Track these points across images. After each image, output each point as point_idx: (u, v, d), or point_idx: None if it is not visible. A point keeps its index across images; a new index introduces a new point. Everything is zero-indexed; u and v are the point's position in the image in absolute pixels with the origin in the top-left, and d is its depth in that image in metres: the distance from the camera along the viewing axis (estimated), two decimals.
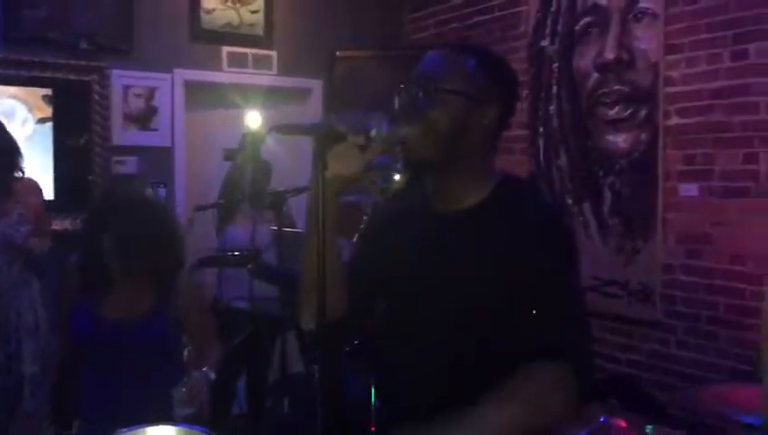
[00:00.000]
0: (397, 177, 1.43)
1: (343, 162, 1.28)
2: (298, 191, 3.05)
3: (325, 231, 1.24)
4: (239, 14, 4.72)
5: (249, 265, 3.05)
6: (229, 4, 4.68)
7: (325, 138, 1.26)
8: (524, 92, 4.35)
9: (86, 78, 4.22)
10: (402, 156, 1.32)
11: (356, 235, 2.37)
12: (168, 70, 4.49)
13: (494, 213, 1.37)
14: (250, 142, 3.63)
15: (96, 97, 4.25)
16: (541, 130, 4.27)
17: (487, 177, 1.42)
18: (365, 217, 2.46)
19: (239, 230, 3.64)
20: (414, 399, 1.42)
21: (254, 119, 3.69)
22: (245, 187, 3.57)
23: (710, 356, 3.47)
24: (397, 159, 1.35)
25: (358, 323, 1.62)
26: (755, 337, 3.30)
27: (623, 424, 2.35)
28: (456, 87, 1.35)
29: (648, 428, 2.12)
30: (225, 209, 3.73)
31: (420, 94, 1.35)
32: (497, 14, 4.55)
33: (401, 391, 1.46)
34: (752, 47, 3.28)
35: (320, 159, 1.27)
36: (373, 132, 1.26)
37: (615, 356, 3.90)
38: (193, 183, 4.54)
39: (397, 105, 1.39)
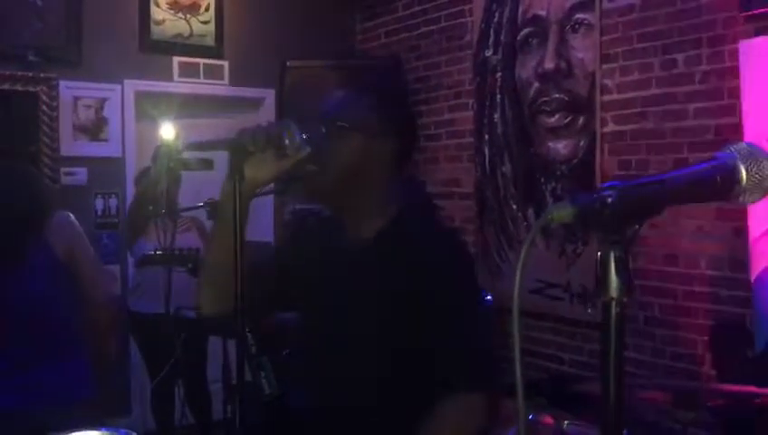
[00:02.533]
0: None
1: (259, 168, 1.38)
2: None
3: (241, 233, 1.32)
4: (190, 25, 4.76)
5: (189, 265, 3.08)
6: (180, 14, 4.72)
7: (238, 152, 1.35)
8: (470, 101, 4.46)
9: (33, 89, 4.23)
10: (307, 187, 1.44)
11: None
12: (119, 80, 4.52)
13: (392, 244, 1.46)
14: (164, 154, 3.62)
15: (44, 108, 4.26)
16: (486, 137, 4.37)
17: (387, 205, 1.51)
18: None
19: (147, 243, 3.63)
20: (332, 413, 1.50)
21: (167, 130, 3.65)
22: (159, 199, 3.58)
23: (647, 355, 3.59)
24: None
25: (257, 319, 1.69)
26: (689, 336, 3.42)
27: (550, 421, 2.43)
28: (352, 124, 1.44)
29: (566, 423, 2.21)
30: (136, 224, 3.71)
31: (322, 131, 1.43)
32: (443, 24, 4.65)
33: (320, 406, 1.54)
34: (680, 57, 3.42)
35: (236, 171, 1.35)
36: (286, 142, 1.35)
37: (558, 356, 4.01)
38: None
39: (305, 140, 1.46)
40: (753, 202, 0.63)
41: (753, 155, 0.62)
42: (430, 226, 1.55)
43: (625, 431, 2.16)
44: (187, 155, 3.54)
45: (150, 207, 3.54)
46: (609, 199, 0.59)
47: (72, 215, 2.42)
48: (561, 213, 0.61)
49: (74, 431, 1.69)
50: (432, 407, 1.36)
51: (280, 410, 2.98)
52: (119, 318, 2.42)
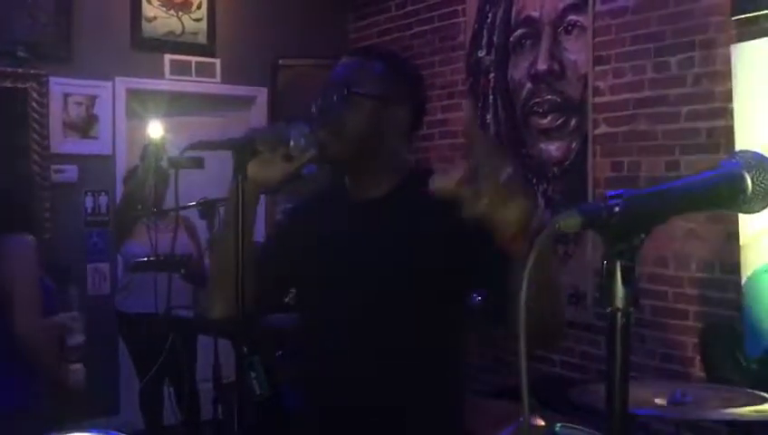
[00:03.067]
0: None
1: (266, 168, 1.37)
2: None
3: (244, 234, 1.32)
4: (182, 22, 4.73)
5: (182, 270, 3.07)
6: (171, 12, 4.69)
7: (244, 152, 1.35)
8: (463, 101, 4.46)
9: (23, 85, 4.19)
10: (322, 156, 1.41)
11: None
12: (109, 78, 4.49)
13: (403, 199, 1.45)
14: (152, 153, 3.58)
15: (34, 105, 4.23)
16: None
17: (397, 170, 1.50)
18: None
19: (136, 245, 3.61)
20: (344, 386, 1.46)
21: (155, 129, 3.62)
22: (147, 199, 3.55)
23: (638, 357, 3.60)
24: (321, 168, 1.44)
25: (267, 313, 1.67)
26: (678, 338, 3.44)
27: (541, 423, 2.43)
28: (366, 90, 1.43)
29: (558, 425, 2.21)
30: (123, 224, 3.68)
31: (334, 99, 1.43)
32: (437, 24, 4.65)
33: (331, 380, 1.49)
34: (672, 60, 3.43)
35: (240, 171, 1.35)
36: (292, 144, 1.35)
37: (549, 358, 4.02)
38: None
39: (314, 110, 1.46)
40: (758, 211, 0.62)
41: (759, 164, 0.62)
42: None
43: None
44: (175, 153, 3.52)
45: (139, 207, 3.51)
46: (616, 208, 0.58)
47: (32, 239, 2.34)
48: (568, 222, 0.61)
49: (64, 433, 1.68)
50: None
51: (272, 411, 2.97)
52: (51, 348, 2.37)
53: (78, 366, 2.43)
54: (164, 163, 3.58)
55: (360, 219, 1.49)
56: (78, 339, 2.38)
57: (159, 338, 3.25)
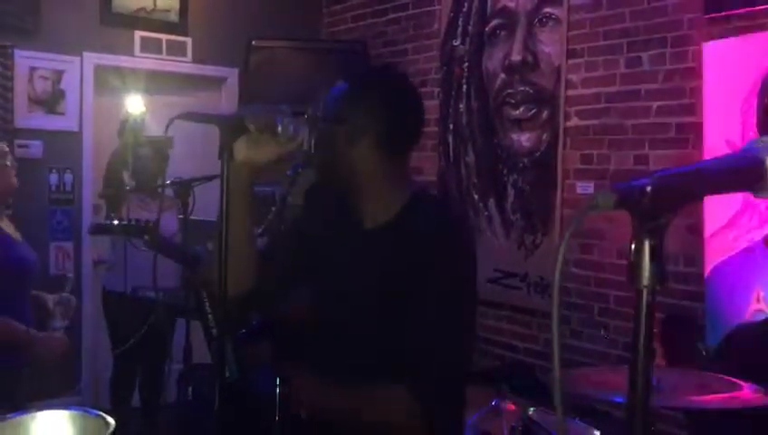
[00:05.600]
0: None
1: (257, 149, 1.36)
2: (206, 179, 3.05)
3: (234, 212, 1.31)
4: None
5: (146, 237, 3.03)
6: None
7: (233, 129, 1.33)
8: (436, 90, 4.48)
9: None
10: (317, 173, 1.47)
11: (266, 222, 2.43)
12: (77, 53, 4.39)
13: (400, 232, 1.45)
14: (130, 129, 3.53)
15: None
16: (450, 127, 4.40)
17: (397, 194, 1.48)
18: (273, 208, 2.51)
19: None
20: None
21: (134, 103, 3.57)
22: (126, 176, 3.51)
23: (600, 346, 3.68)
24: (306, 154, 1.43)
25: (264, 302, 1.68)
26: None
27: (512, 407, 2.48)
28: (363, 127, 1.42)
29: (531, 409, 2.26)
30: (108, 201, 3.64)
31: (325, 130, 1.43)
32: (411, 11, 4.65)
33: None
34: (644, 56, 3.49)
35: (226, 149, 1.32)
36: (279, 129, 1.34)
37: (513, 345, 4.09)
38: (101, 169, 4.44)
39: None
40: None
41: None
42: (441, 213, 1.55)
43: (577, 419, 2.20)
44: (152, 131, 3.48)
45: (127, 186, 3.46)
46: (648, 188, 0.60)
47: None
48: (605, 199, 0.62)
49: (39, 411, 1.65)
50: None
51: (242, 393, 2.96)
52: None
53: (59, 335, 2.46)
54: (139, 140, 3.55)
55: (359, 245, 1.49)
56: (57, 323, 2.38)
57: (142, 318, 3.22)
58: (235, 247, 1.30)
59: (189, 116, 1.38)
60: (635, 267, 0.62)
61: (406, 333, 1.37)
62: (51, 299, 2.53)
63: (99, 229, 3.39)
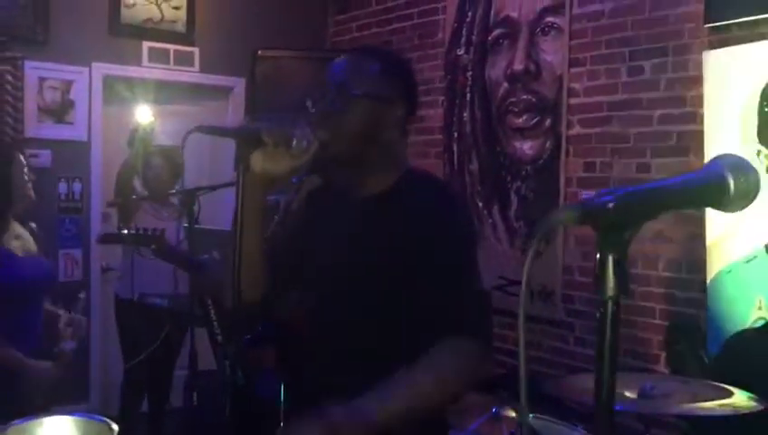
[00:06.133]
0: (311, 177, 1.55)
1: (273, 161, 1.38)
2: (211, 189, 3.09)
3: (248, 223, 1.34)
4: (161, 10, 4.71)
5: (153, 245, 3.07)
6: None
7: (248, 142, 1.36)
8: (440, 99, 4.52)
9: None
10: (323, 154, 1.43)
11: (270, 229, 2.46)
12: (86, 63, 4.45)
13: (398, 198, 1.50)
14: (140, 138, 3.57)
15: (8, 88, 4.18)
16: (455, 135, 4.43)
17: (395, 167, 1.55)
18: (275, 217, 2.54)
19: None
20: (333, 378, 1.49)
21: (143, 113, 3.61)
22: (137, 185, 3.56)
23: None
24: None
25: (270, 307, 1.70)
26: (645, 335, 3.54)
27: (512, 414, 2.50)
28: (363, 90, 1.47)
29: (530, 417, 2.28)
30: (123, 210, 3.70)
31: (333, 100, 1.46)
32: (416, 21, 4.70)
33: (321, 373, 1.53)
34: (646, 64, 3.52)
35: (242, 161, 1.35)
36: (294, 143, 1.36)
37: (517, 352, 4.09)
38: (110, 178, 4.50)
39: (312, 110, 1.48)
40: (739, 210, 0.68)
41: (740, 166, 0.67)
42: (437, 185, 1.60)
43: (580, 427, 2.22)
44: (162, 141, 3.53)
45: (133, 195, 3.50)
46: (610, 205, 0.63)
47: None
48: (567, 215, 0.65)
49: (45, 417, 1.68)
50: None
51: (247, 399, 2.99)
52: None
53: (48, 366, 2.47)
54: (150, 151, 3.60)
55: (355, 216, 1.52)
56: (67, 346, 2.39)
57: (154, 326, 3.26)
58: (248, 257, 1.33)
59: (206, 129, 1.40)
60: (599, 279, 0.65)
61: (426, 293, 1.41)
62: (62, 319, 2.54)
63: (108, 239, 3.44)
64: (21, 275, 2.47)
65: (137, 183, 3.70)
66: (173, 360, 3.68)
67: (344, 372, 1.47)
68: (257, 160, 1.37)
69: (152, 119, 3.56)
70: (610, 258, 0.64)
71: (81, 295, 2.79)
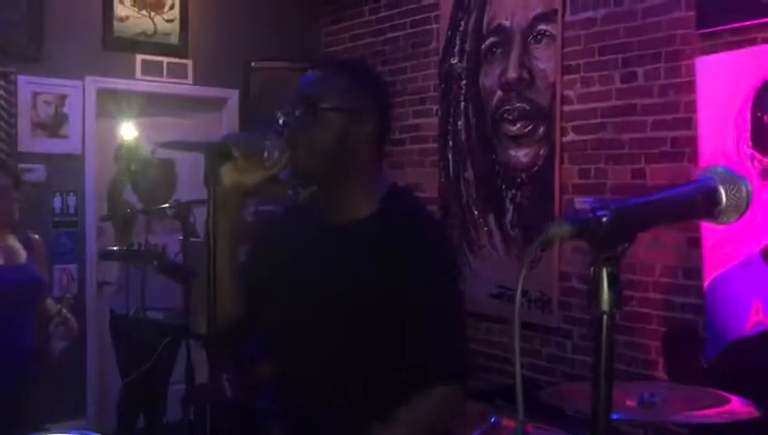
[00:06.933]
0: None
1: (244, 174, 1.36)
2: (204, 202, 3.07)
3: (222, 239, 1.32)
4: (154, 23, 4.71)
5: (155, 262, 3.06)
6: (144, 12, 4.66)
7: (218, 156, 1.34)
8: (435, 108, 4.52)
9: None
10: (293, 170, 1.41)
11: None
12: (80, 77, 4.45)
13: (380, 227, 1.45)
14: (125, 155, 3.54)
15: (1, 102, 4.17)
16: (450, 143, 4.43)
17: (374, 188, 1.50)
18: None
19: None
20: (310, 400, 1.49)
21: (128, 130, 3.58)
22: (131, 199, 3.55)
23: None
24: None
25: (249, 327, 1.67)
26: (642, 341, 3.53)
27: (512, 424, 2.49)
28: (333, 105, 1.42)
29: (530, 426, 2.27)
30: (119, 224, 3.67)
31: (302, 115, 1.42)
32: (409, 30, 4.70)
33: (298, 397, 1.53)
34: (639, 71, 3.52)
35: (211, 175, 1.33)
36: (266, 155, 1.35)
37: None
38: (104, 192, 4.49)
39: (281, 124, 1.44)
40: (731, 222, 0.68)
41: (732, 178, 0.67)
42: (416, 210, 1.55)
43: None
44: (150, 155, 3.51)
45: (128, 210, 3.49)
46: (604, 219, 0.63)
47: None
48: (560, 231, 0.65)
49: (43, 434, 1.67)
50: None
51: (244, 413, 2.98)
52: None
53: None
54: (135, 165, 3.58)
55: (334, 245, 1.48)
56: (57, 345, 2.42)
57: (151, 340, 3.24)
58: (224, 275, 1.31)
59: (174, 144, 1.41)
60: (594, 294, 0.65)
61: (409, 335, 1.40)
62: (52, 323, 2.59)
63: (109, 255, 3.42)
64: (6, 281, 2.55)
65: (130, 197, 3.69)
66: (169, 374, 3.65)
67: (320, 397, 1.47)
68: (228, 174, 1.35)
69: (136, 134, 3.54)
70: (605, 272, 0.64)
71: (69, 295, 2.83)
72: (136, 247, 3.18)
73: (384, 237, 1.44)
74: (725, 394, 1.75)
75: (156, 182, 3.64)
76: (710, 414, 1.60)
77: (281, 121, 1.45)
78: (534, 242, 0.65)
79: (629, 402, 1.73)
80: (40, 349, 2.60)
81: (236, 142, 1.34)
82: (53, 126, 4.39)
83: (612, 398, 0.64)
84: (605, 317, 0.64)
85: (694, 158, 3.26)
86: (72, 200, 4.44)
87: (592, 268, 0.64)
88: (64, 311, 2.67)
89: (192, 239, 3.11)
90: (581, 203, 3.79)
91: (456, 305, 1.49)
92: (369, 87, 1.50)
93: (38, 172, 4.32)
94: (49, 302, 2.80)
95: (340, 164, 1.44)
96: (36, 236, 2.75)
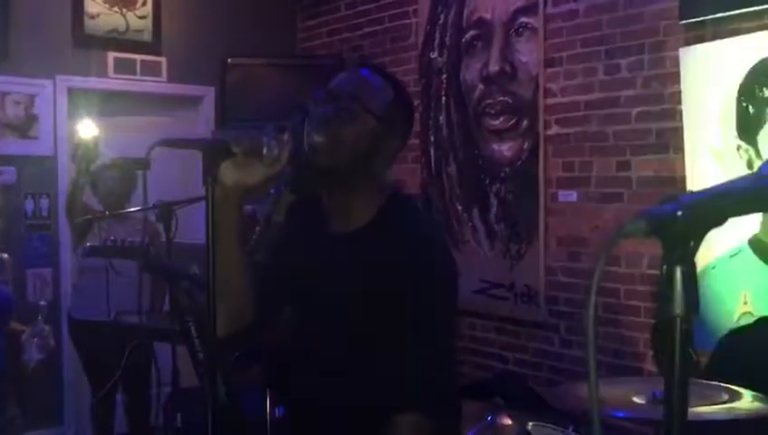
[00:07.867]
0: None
1: (244, 172, 1.32)
2: (189, 202, 3.00)
3: (227, 239, 1.29)
4: (126, 19, 4.59)
5: (141, 260, 2.98)
6: (115, 8, 4.55)
7: (217, 154, 1.29)
8: (415, 103, 4.46)
9: None
10: (311, 160, 1.38)
11: (251, 243, 2.39)
12: (50, 76, 4.32)
13: (371, 240, 1.43)
14: (82, 155, 3.40)
15: None
16: (432, 139, 4.39)
17: (378, 195, 1.48)
18: (257, 228, 2.47)
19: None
20: (317, 406, 1.47)
21: (85, 128, 3.45)
22: (84, 204, 3.46)
23: None
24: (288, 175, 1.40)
25: (263, 330, 1.64)
26: (630, 334, 3.52)
27: (508, 421, 2.46)
28: (375, 109, 1.42)
29: (530, 424, 2.23)
30: (72, 228, 3.56)
31: (343, 107, 1.41)
32: (387, 25, 4.64)
33: (305, 405, 1.52)
34: (623, 62, 3.51)
35: (210, 174, 1.29)
36: (265, 151, 1.30)
37: (503, 356, 4.07)
38: None
39: (313, 110, 1.42)
40: None
41: None
42: (413, 223, 1.50)
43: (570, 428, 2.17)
44: (111, 154, 3.43)
45: (102, 211, 3.40)
46: (679, 213, 0.58)
47: None
48: (635, 227, 0.60)
49: None
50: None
51: (231, 416, 2.91)
52: None
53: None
54: (94, 166, 3.48)
55: (330, 254, 1.47)
56: (34, 356, 2.32)
57: (116, 348, 3.15)
58: (226, 278, 1.27)
59: (170, 142, 1.34)
60: (665, 296, 0.60)
61: (397, 352, 1.36)
62: (25, 333, 2.48)
63: (92, 252, 3.33)
64: None
65: (91, 199, 3.60)
66: (147, 377, 3.56)
67: (326, 391, 1.46)
68: (227, 172, 1.31)
69: (95, 133, 3.41)
70: (678, 271, 0.59)
71: (42, 303, 2.74)
72: (120, 244, 3.11)
73: (373, 252, 1.41)
74: (733, 388, 1.73)
75: (114, 183, 3.55)
76: (723, 410, 1.58)
77: (312, 107, 1.41)
78: (610, 239, 0.60)
79: (639, 400, 1.70)
80: (9, 368, 2.50)
81: (236, 138, 1.29)
82: (23, 127, 4.27)
83: (687, 410, 0.59)
84: (679, 322, 0.60)
85: (679, 149, 3.26)
86: (44, 203, 4.32)
87: (664, 268, 0.60)
88: (35, 325, 2.57)
89: (176, 241, 3.03)
90: (565, 196, 3.78)
91: (441, 330, 1.44)
92: (406, 106, 1.53)
93: (8, 175, 4.19)
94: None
95: (359, 167, 1.43)
96: (5, 256, 2.62)
